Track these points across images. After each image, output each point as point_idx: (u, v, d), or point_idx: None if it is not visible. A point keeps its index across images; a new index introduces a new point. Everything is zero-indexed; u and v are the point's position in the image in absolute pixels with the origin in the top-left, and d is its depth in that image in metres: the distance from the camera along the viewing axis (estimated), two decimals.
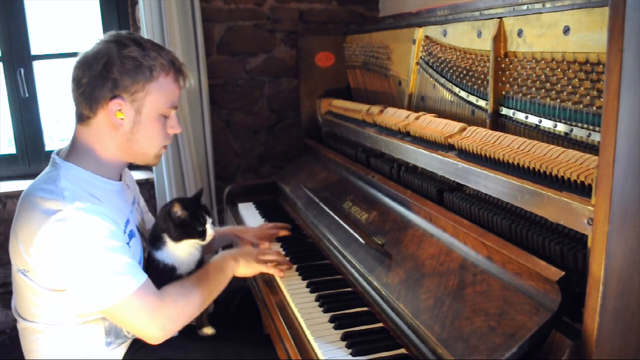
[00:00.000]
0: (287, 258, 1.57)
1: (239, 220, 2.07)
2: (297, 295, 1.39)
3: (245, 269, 1.43)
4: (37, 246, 1.12)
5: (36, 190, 1.18)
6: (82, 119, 1.25)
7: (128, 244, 1.25)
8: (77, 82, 1.23)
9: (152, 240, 1.38)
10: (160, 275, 1.33)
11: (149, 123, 1.26)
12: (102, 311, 1.17)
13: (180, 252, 1.37)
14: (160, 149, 1.33)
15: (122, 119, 1.23)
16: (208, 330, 1.44)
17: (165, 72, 1.25)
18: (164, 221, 1.36)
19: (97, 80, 1.20)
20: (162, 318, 1.20)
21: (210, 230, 1.37)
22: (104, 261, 1.14)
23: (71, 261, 1.12)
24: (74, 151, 1.27)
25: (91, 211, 1.15)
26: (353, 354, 1.13)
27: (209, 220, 1.38)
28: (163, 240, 1.36)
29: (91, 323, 1.24)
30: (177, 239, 1.35)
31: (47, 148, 2.56)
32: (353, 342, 1.16)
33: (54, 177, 1.20)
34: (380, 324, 1.24)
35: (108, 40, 1.24)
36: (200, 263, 1.41)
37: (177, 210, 1.34)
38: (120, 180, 1.34)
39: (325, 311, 1.31)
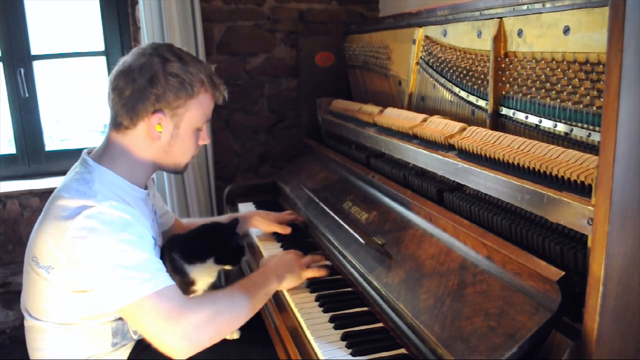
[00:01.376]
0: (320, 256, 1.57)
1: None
2: (297, 295, 1.39)
3: (292, 282, 1.40)
4: (68, 241, 1.12)
5: (68, 190, 1.18)
6: (119, 126, 1.27)
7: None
8: (120, 92, 1.25)
9: (188, 255, 1.40)
10: (180, 285, 1.36)
11: (186, 137, 1.31)
12: (122, 310, 1.14)
13: (209, 271, 1.42)
14: (190, 159, 1.39)
15: (160, 132, 1.27)
16: (228, 335, 1.46)
17: (204, 89, 1.30)
18: (215, 243, 1.42)
19: (142, 94, 1.23)
20: (182, 326, 1.12)
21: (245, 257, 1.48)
22: (130, 255, 1.13)
23: (100, 255, 1.12)
24: (108, 155, 1.28)
25: (124, 210, 1.16)
26: (353, 354, 1.13)
27: (246, 250, 1.49)
28: (204, 259, 1.40)
29: (101, 324, 1.23)
30: (221, 262, 1.42)
31: (47, 148, 2.56)
32: (353, 342, 1.16)
33: (87, 179, 1.21)
34: (380, 324, 1.24)
35: (150, 52, 1.27)
36: (214, 285, 1.47)
37: (236, 240, 1.44)
38: (146, 189, 1.36)
39: (325, 311, 1.31)
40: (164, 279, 1.16)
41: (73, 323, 1.22)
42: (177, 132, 1.29)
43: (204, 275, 1.42)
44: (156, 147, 1.29)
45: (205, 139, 1.37)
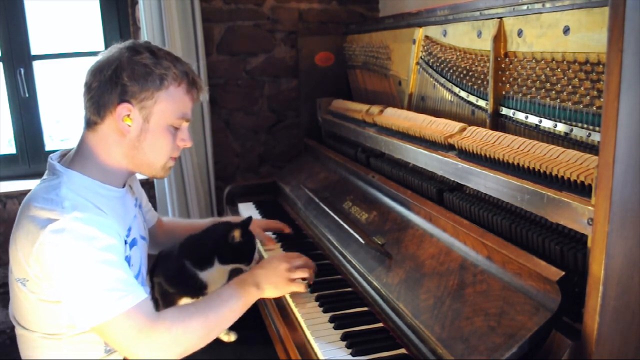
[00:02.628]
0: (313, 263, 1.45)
1: None
2: (297, 295, 1.39)
3: (273, 292, 1.30)
4: (35, 256, 1.10)
5: (36, 200, 1.15)
6: (89, 124, 1.24)
7: (128, 257, 1.23)
8: (88, 86, 1.23)
9: (197, 261, 1.40)
10: (191, 291, 1.39)
11: (157, 132, 1.24)
12: (94, 328, 1.12)
13: (220, 274, 1.41)
14: (167, 161, 1.30)
15: (129, 125, 1.21)
16: (224, 337, 1.46)
17: (177, 82, 1.24)
18: (217, 244, 1.41)
19: (107, 85, 1.20)
20: (151, 343, 1.11)
21: (256, 256, 1.44)
22: (98, 275, 1.10)
23: (65, 273, 1.09)
24: (79, 157, 1.25)
25: (89, 221, 1.12)
26: (353, 354, 1.13)
27: (259, 246, 1.45)
28: (212, 262, 1.40)
29: (90, 332, 1.19)
30: (227, 262, 1.40)
31: (47, 148, 2.56)
32: (353, 342, 1.16)
33: (54, 185, 1.17)
34: (380, 324, 1.24)
35: (122, 46, 1.24)
36: None
37: (237, 236, 1.40)
38: (122, 187, 1.31)
39: (325, 311, 1.31)
40: (136, 294, 1.12)
41: (60, 333, 1.19)
42: (147, 127, 1.22)
43: (216, 278, 1.41)
44: (126, 143, 1.23)
45: (184, 140, 1.29)
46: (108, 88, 1.19)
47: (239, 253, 1.42)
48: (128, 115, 1.20)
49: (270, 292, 1.29)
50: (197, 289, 1.40)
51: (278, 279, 1.30)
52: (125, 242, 1.23)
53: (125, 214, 1.29)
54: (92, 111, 1.22)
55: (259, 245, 1.79)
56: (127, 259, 1.22)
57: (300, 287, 1.33)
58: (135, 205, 1.40)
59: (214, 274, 1.41)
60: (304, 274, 1.34)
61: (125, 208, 1.31)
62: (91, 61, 1.27)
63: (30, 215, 1.12)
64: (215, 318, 1.19)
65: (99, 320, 1.09)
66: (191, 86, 1.28)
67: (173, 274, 1.42)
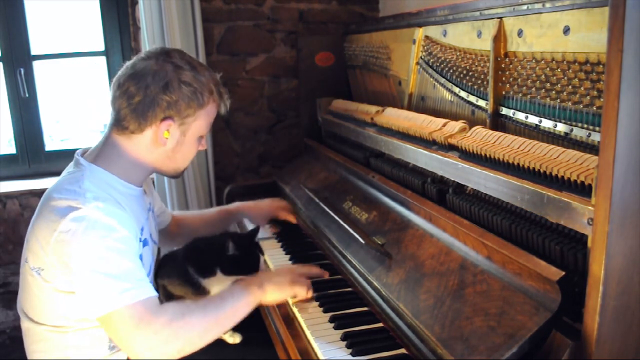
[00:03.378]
0: (321, 270, 1.45)
1: (238, 220, 2.07)
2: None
3: (275, 295, 1.30)
4: (54, 244, 1.12)
5: (59, 191, 1.18)
6: (124, 130, 1.25)
7: (141, 255, 1.25)
8: (129, 97, 1.23)
9: (201, 270, 1.40)
10: (194, 294, 1.39)
11: (190, 144, 1.31)
12: (100, 318, 1.13)
13: (223, 280, 1.41)
14: (188, 165, 1.40)
15: (167, 139, 1.26)
16: (229, 339, 1.46)
17: (213, 99, 1.30)
18: (218, 255, 1.41)
19: (154, 100, 1.22)
20: (149, 337, 1.11)
21: (262, 267, 1.44)
22: (111, 263, 1.12)
23: (81, 260, 1.11)
24: (104, 154, 1.27)
25: (109, 213, 1.15)
26: (353, 354, 1.13)
27: (262, 260, 1.45)
28: (214, 272, 1.40)
29: (96, 327, 1.22)
30: (229, 274, 1.40)
31: (47, 148, 2.56)
32: (353, 342, 1.16)
33: (77, 177, 1.21)
34: (380, 324, 1.24)
35: (164, 59, 1.25)
36: None
37: (230, 249, 1.40)
38: (141, 186, 1.35)
39: (325, 311, 1.31)
40: (143, 290, 1.14)
41: (68, 326, 1.21)
42: (183, 140, 1.29)
43: (218, 286, 1.41)
44: (159, 152, 1.29)
45: (204, 145, 1.38)
46: (155, 104, 1.22)
47: (241, 265, 1.42)
48: (167, 130, 1.25)
49: (272, 293, 1.29)
50: (201, 294, 1.40)
51: (281, 279, 1.32)
52: (140, 240, 1.26)
53: (140, 213, 1.33)
54: (132, 121, 1.24)
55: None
56: (140, 258, 1.24)
57: (303, 291, 1.33)
58: (149, 209, 1.43)
59: (217, 282, 1.41)
60: (307, 280, 1.36)
61: (140, 208, 1.34)
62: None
63: (52, 204, 1.16)
64: (215, 315, 1.19)
65: (104, 309, 1.11)
66: (220, 100, 1.34)
67: (177, 278, 1.43)
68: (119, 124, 1.26)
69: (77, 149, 1.32)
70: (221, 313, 1.20)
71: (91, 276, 1.11)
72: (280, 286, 1.30)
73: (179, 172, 1.39)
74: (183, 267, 1.42)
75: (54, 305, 1.20)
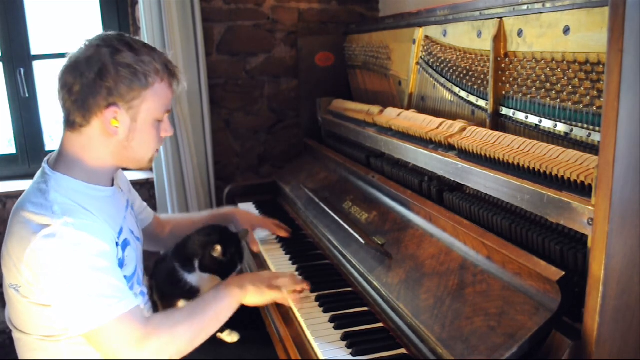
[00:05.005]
0: (303, 280, 1.40)
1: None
2: (296, 295, 1.39)
3: (255, 297, 1.29)
4: (27, 262, 1.09)
5: (26, 204, 1.14)
6: (73, 126, 1.20)
7: (122, 258, 1.22)
8: (68, 88, 1.17)
9: (183, 262, 1.39)
10: (184, 294, 1.36)
11: (145, 129, 1.23)
12: (85, 335, 1.12)
13: (209, 278, 1.39)
14: (154, 153, 1.31)
15: (117, 127, 1.19)
16: (227, 338, 1.45)
17: (160, 78, 1.22)
18: (200, 250, 1.39)
19: (91, 88, 1.15)
20: (139, 350, 1.11)
21: (235, 274, 1.41)
22: (90, 282, 1.10)
23: (57, 279, 1.09)
24: (63, 160, 1.22)
25: (80, 227, 1.11)
26: (353, 354, 1.13)
27: (239, 267, 1.42)
28: (194, 266, 1.38)
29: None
30: (206, 271, 1.38)
31: (47, 148, 2.56)
32: (353, 342, 1.16)
33: (43, 189, 1.16)
34: (380, 324, 1.24)
35: (99, 44, 1.18)
36: None
37: (217, 254, 1.38)
38: (112, 185, 1.31)
39: (325, 311, 1.31)
40: (127, 300, 1.13)
41: (57, 335, 1.18)
42: (135, 126, 1.21)
43: (206, 282, 1.39)
44: (114, 144, 1.21)
45: (167, 131, 1.29)
46: (93, 91, 1.16)
47: (219, 267, 1.40)
48: (115, 118, 1.18)
49: (252, 295, 1.28)
50: (188, 292, 1.38)
51: (261, 283, 1.30)
52: (117, 244, 1.22)
53: (116, 213, 1.28)
54: (77, 114, 1.18)
55: (260, 247, 1.77)
56: (121, 261, 1.22)
57: (282, 296, 1.31)
58: (127, 207, 1.39)
59: (203, 278, 1.39)
60: (289, 281, 1.33)
61: (116, 208, 1.29)
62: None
63: (21, 221, 1.12)
64: (201, 322, 1.20)
65: (90, 326, 1.09)
66: (172, 78, 1.26)
67: (165, 277, 1.41)
68: (67, 120, 1.21)
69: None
70: (206, 318, 1.21)
71: (70, 295, 1.09)
72: (259, 290, 1.29)
73: (144, 163, 1.29)
74: (171, 264, 1.40)
75: (38, 317, 1.17)
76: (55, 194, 1.14)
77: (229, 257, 1.40)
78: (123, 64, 1.16)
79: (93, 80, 1.15)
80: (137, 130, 1.22)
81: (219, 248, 1.38)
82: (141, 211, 1.59)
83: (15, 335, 1.24)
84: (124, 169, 1.43)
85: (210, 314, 1.22)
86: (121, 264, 1.22)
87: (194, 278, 1.39)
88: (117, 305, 1.10)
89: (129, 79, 1.16)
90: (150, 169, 2.50)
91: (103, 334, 1.10)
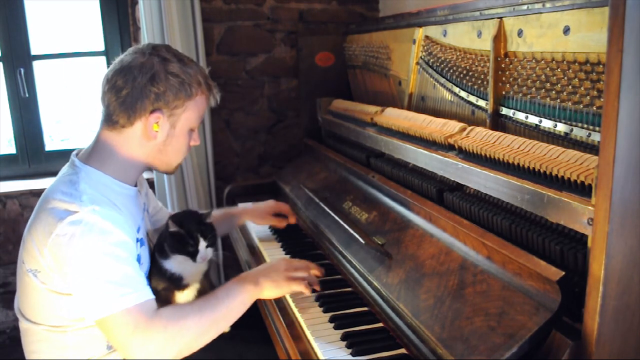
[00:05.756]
0: (317, 266, 1.40)
1: (241, 222, 2.07)
2: (297, 295, 1.39)
3: (273, 291, 1.29)
4: (50, 246, 1.13)
5: (55, 193, 1.19)
6: (114, 125, 1.26)
7: (139, 255, 1.25)
8: (117, 90, 1.24)
9: (160, 250, 1.37)
10: (169, 283, 1.33)
11: (180, 137, 1.31)
12: (97, 321, 1.15)
13: (184, 262, 1.33)
14: (182, 160, 1.39)
15: (157, 132, 1.27)
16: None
17: (201, 90, 1.31)
18: (164, 232, 1.37)
19: (141, 92, 1.23)
20: (146, 341, 1.13)
21: (203, 254, 1.33)
22: (107, 269, 1.13)
23: (77, 264, 1.12)
24: (96, 153, 1.28)
25: (106, 216, 1.15)
26: (353, 354, 1.13)
27: (202, 243, 1.32)
28: (166, 251, 1.36)
29: (94, 327, 1.22)
30: (169, 252, 1.33)
31: (47, 148, 2.56)
32: (353, 342, 1.16)
33: (73, 180, 1.21)
34: (380, 324, 1.24)
35: (151, 52, 1.27)
36: (207, 274, 1.40)
37: (173, 227, 1.33)
38: (135, 185, 1.35)
39: (325, 311, 1.31)
40: (142, 293, 1.15)
41: (65, 325, 1.21)
42: (173, 132, 1.29)
43: (185, 268, 1.33)
44: (151, 146, 1.29)
45: (196, 140, 1.37)
46: (142, 96, 1.23)
47: (177, 243, 1.33)
48: (157, 122, 1.26)
49: (269, 290, 1.29)
50: (170, 280, 1.33)
51: (277, 276, 1.30)
52: (137, 240, 1.26)
53: (136, 213, 1.33)
54: (121, 115, 1.25)
55: (258, 244, 1.78)
56: (138, 258, 1.25)
57: (301, 287, 1.32)
58: (144, 209, 1.43)
59: (179, 263, 1.33)
60: (304, 274, 1.34)
61: (136, 207, 1.35)
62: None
63: (49, 207, 1.16)
64: (211, 316, 1.20)
65: (102, 313, 1.12)
66: (209, 92, 1.35)
67: (152, 269, 1.38)
68: (109, 119, 1.27)
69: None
70: (217, 314, 1.21)
71: (87, 281, 1.12)
72: (277, 283, 1.29)
73: (172, 168, 1.38)
74: (154, 256, 1.37)
75: (50, 306, 1.20)
76: (85, 185, 1.20)
77: (186, 229, 1.33)
78: (173, 73, 1.25)
79: (144, 85, 1.23)
80: (174, 137, 1.30)
81: (171, 221, 1.34)
82: (157, 212, 1.62)
83: (23, 325, 1.27)
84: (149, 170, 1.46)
85: (222, 310, 1.22)
86: (138, 261, 1.24)
87: (171, 264, 1.34)
88: (131, 296, 1.13)
89: (176, 88, 1.25)
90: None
91: (113, 321, 1.13)
